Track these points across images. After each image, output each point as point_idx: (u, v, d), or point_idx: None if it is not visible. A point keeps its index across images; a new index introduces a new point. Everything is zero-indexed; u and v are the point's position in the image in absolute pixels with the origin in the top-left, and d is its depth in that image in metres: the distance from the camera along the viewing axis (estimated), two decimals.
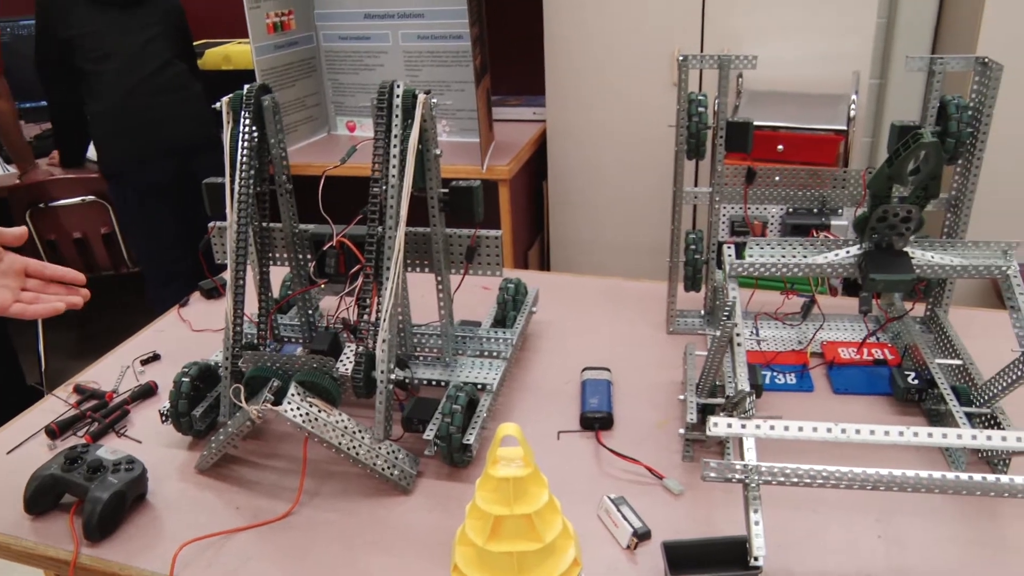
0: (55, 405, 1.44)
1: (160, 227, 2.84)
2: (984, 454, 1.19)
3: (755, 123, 2.16)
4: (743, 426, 0.87)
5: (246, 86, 1.26)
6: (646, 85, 2.66)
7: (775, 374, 1.40)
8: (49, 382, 3.10)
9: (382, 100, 1.17)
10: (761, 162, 2.16)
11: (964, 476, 0.92)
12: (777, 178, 1.42)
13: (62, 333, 3.58)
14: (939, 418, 1.26)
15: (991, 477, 0.92)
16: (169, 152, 2.75)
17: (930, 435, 0.87)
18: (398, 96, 1.17)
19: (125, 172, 2.75)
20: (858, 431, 0.87)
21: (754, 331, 1.51)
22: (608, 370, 1.40)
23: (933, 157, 0.95)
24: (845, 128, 2.13)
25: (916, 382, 1.29)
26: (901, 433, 0.87)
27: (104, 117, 2.71)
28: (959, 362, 1.34)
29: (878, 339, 1.47)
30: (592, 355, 1.48)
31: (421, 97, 1.16)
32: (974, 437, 0.87)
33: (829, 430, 0.87)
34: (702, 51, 2.58)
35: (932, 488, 0.93)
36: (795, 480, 0.91)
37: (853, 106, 2.15)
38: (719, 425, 0.88)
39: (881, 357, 1.42)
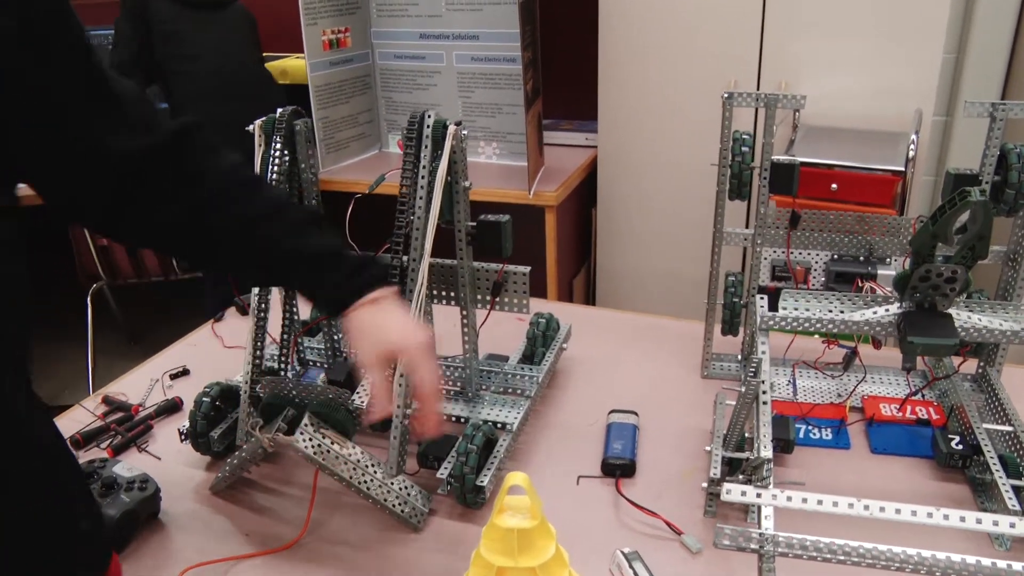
0: (83, 415, 1.45)
1: None
2: None
3: (809, 160, 2.12)
4: (758, 495, 0.83)
5: (279, 110, 1.25)
6: (701, 115, 2.61)
7: (810, 428, 1.34)
8: (96, 384, 3.15)
9: (411, 129, 1.15)
10: (814, 201, 2.10)
11: (1004, 565, 0.86)
12: (831, 220, 1.36)
13: (110, 335, 3.64)
14: (983, 488, 1.19)
15: None
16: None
17: (963, 519, 0.81)
18: (428, 126, 1.15)
19: None
20: (883, 508, 0.81)
21: (791, 380, 1.45)
22: (635, 413, 1.36)
23: (981, 216, 0.89)
24: (903, 169, 2.05)
25: (960, 447, 1.22)
26: (931, 515, 0.81)
27: (189, 113, 2.72)
28: (1009, 428, 1.27)
29: (923, 397, 1.40)
30: (622, 396, 1.43)
31: (451, 128, 1.14)
32: (1012, 525, 0.81)
33: (851, 505, 0.82)
34: (759, 82, 2.52)
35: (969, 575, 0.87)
36: (814, 555, 0.86)
37: (912, 146, 2.07)
38: (733, 492, 0.83)
39: (925, 416, 1.35)
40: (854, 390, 1.41)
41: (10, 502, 0.77)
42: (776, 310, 1.08)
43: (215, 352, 1.67)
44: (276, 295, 1.33)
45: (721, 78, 2.53)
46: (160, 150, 0.89)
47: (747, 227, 1.44)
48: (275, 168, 1.25)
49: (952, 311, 1.01)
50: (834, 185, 2.06)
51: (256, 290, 1.25)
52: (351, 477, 1.12)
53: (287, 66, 3.09)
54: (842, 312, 1.06)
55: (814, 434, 1.33)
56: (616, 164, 2.78)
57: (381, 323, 0.98)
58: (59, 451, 0.87)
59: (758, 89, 2.36)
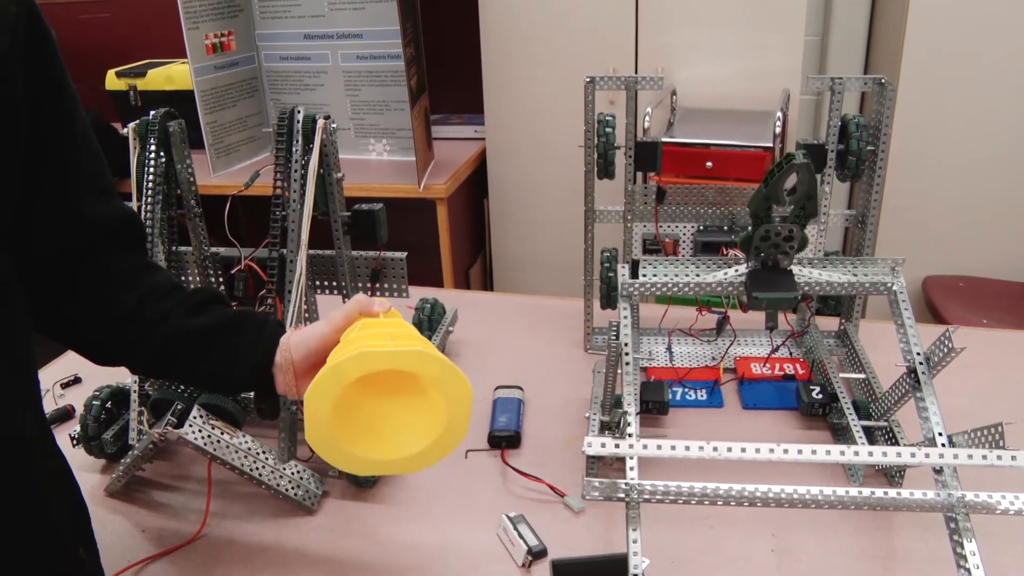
0: None
1: None
2: (880, 466, 1.22)
3: (686, 140, 2.22)
4: (616, 445, 0.89)
5: (151, 112, 1.27)
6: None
7: (687, 390, 1.42)
8: None
9: (282, 126, 1.18)
10: (692, 179, 2.19)
11: (855, 492, 0.94)
12: (695, 193, 1.44)
13: None
14: (841, 431, 1.29)
15: (882, 492, 0.94)
16: None
17: (800, 452, 0.89)
18: (298, 122, 1.18)
19: None
20: (729, 449, 0.89)
21: (668, 348, 1.53)
22: (520, 388, 1.41)
23: (806, 177, 0.98)
24: (771, 145, 2.16)
25: (820, 397, 1.32)
26: (772, 450, 0.89)
27: None
28: (863, 376, 1.37)
29: (791, 354, 1.50)
30: (508, 374, 1.49)
31: (321, 122, 1.17)
32: (842, 453, 0.89)
33: (701, 448, 0.89)
34: (637, 69, 2.61)
35: (824, 504, 0.95)
36: (674, 498, 0.93)
37: (778, 123, 2.19)
38: (593, 445, 0.89)
39: (791, 372, 1.44)
40: (726, 352, 1.50)
41: (9, 523, 0.78)
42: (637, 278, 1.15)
43: None
44: None
45: (601, 67, 2.62)
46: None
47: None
48: (151, 170, 1.26)
49: (794, 267, 1.10)
50: (709, 163, 2.16)
51: None
52: (243, 465, 1.14)
53: (172, 72, 3.06)
54: (697, 275, 1.13)
55: (690, 396, 1.41)
56: (504, 154, 2.84)
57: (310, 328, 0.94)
58: (65, 474, 0.92)
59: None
